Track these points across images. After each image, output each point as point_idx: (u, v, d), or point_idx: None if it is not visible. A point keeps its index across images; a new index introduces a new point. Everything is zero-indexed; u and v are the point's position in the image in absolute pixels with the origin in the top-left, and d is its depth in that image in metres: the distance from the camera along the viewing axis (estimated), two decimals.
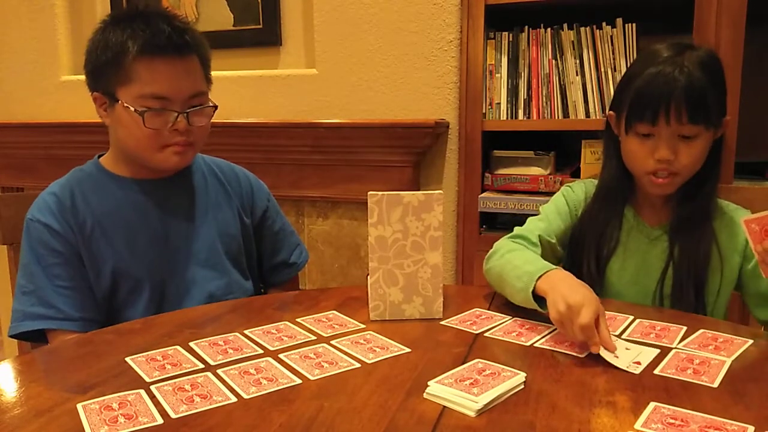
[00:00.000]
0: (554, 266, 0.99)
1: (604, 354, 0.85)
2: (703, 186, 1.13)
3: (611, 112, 1.18)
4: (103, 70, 1.10)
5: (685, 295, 1.12)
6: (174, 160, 1.14)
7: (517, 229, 1.19)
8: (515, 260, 1.06)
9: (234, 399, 0.75)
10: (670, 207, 1.18)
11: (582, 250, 1.19)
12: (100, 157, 1.22)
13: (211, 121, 1.18)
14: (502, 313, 1.04)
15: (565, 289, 0.91)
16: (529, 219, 1.22)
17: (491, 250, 1.15)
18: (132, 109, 1.08)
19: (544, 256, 1.13)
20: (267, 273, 1.37)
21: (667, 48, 1.09)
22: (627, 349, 0.88)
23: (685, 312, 1.09)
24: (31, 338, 1.09)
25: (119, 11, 1.15)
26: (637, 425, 0.68)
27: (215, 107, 1.17)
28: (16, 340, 1.15)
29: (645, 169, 1.11)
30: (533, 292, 0.97)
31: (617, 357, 0.85)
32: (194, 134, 1.13)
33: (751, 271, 1.13)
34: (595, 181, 1.24)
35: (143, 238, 1.15)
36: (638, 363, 0.84)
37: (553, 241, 1.18)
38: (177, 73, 1.10)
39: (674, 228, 1.15)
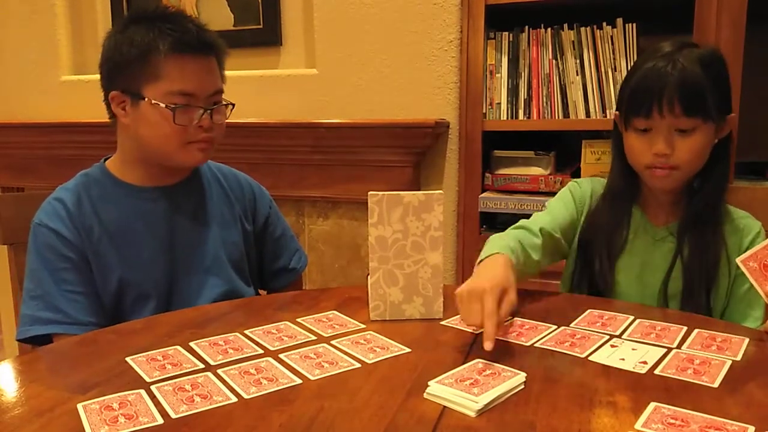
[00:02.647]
0: (504, 253, 1.01)
1: (610, 360, 0.85)
2: (709, 185, 1.13)
3: (617, 111, 1.18)
4: (127, 68, 1.11)
5: (696, 297, 1.12)
6: (198, 156, 1.15)
7: (521, 221, 1.19)
8: (491, 240, 1.09)
9: (234, 399, 0.75)
10: (677, 208, 1.18)
11: (593, 250, 1.19)
12: (106, 160, 1.21)
13: None
14: None
15: (482, 273, 0.96)
16: (535, 213, 1.23)
17: None
18: (162, 105, 1.09)
19: (545, 248, 1.14)
20: (267, 278, 1.38)
21: (668, 44, 1.10)
22: (633, 349, 0.88)
23: (694, 313, 1.08)
24: (39, 343, 1.09)
25: (138, 12, 1.16)
26: (638, 425, 0.68)
27: (232, 105, 1.19)
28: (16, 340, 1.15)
29: (644, 164, 1.12)
30: None
31: (623, 359, 0.85)
32: (215, 131, 1.15)
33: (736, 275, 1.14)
34: (603, 180, 1.24)
35: (150, 247, 1.16)
36: (644, 363, 0.84)
37: (557, 235, 1.18)
38: (202, 70, 1.13)
39: (683, 228, 1.15)
